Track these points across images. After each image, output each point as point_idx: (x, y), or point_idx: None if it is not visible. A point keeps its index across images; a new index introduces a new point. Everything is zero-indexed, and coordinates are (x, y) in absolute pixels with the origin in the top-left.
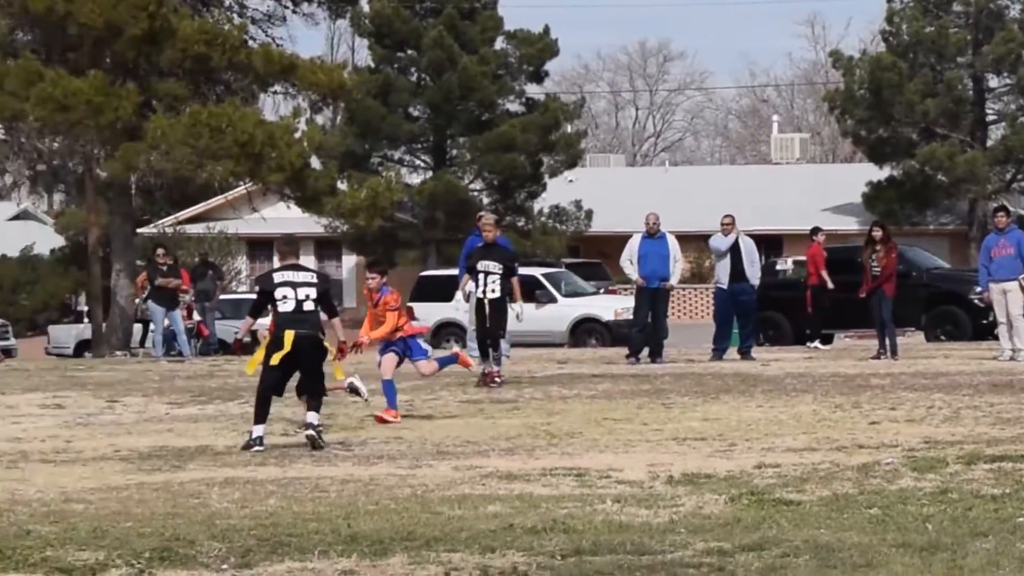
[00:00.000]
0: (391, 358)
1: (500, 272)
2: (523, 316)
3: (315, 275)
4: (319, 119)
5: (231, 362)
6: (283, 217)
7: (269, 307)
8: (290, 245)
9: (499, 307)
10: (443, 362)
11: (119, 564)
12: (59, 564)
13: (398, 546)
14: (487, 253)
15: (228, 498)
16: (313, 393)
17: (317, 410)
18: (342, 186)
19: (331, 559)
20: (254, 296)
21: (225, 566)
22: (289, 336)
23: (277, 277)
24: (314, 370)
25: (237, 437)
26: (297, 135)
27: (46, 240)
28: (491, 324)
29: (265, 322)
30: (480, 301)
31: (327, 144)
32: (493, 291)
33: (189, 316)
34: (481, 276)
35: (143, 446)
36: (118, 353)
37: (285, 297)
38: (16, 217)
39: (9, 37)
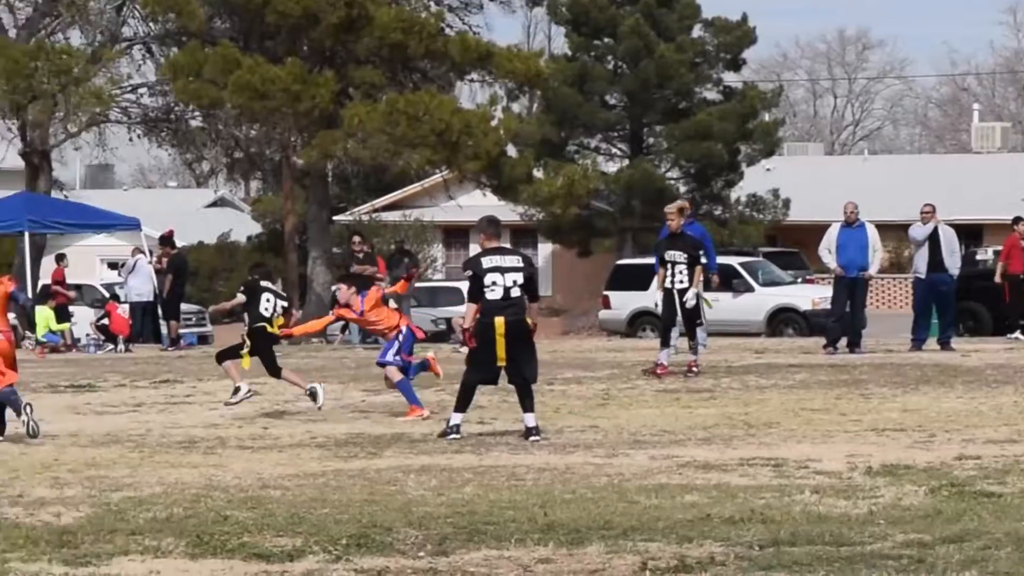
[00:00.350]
0: (393, 370)
1: (686, 261)
2: (692, 302)
3: (521, 258)
4: (515, 107)
5: (427, 350)
6: (479, 205)
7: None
8: (494, 226)
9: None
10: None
11: (316, 550)
12: (256, 550)
13: (595, 535)
14: (673, 243)
15: (425, 485)
16: (524, 387)
17: (532, 409)
18: (538, 174)
19: (528, 547)
20: (465, 282)
21: (422, 553)
22: (500, 323)
23: (486, 262)
24: (523, 357)
25: (433, 425)
26: (494, 123)
27: (243, 227)
28: (684, 315)
29: (460, 310)
30: (668, 291)
31: (523, 132)
32: (681, 281)
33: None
34: (669, 266)
35: (339, 433)
36: (314, 340)
37: (494, 283)
38: (213, 204)
39: (208, 25)
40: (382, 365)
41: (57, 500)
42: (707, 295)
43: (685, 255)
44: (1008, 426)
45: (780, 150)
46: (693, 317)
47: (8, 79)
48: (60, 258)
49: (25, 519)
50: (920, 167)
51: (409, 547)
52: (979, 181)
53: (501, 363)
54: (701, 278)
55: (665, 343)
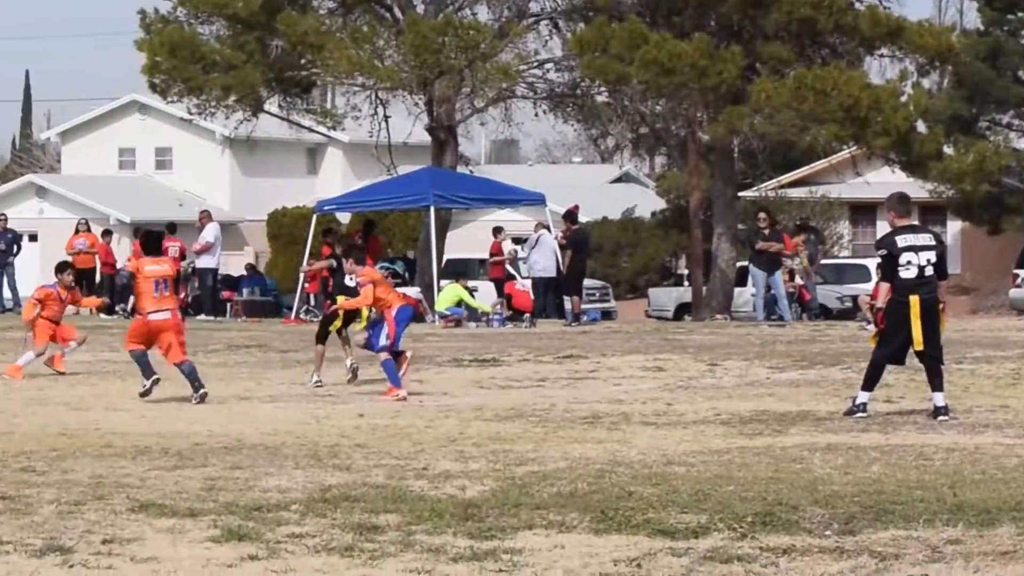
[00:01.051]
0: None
1: None
2: None
3: (932, 236)
4: (925, 83)
5: (833, 327)
6: (887, 181)
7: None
8: (905, 204)
9: None
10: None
11: (721, 527)
12: (661, 526)
13: (1006, 516)
14: None
15: (831, 464)
16: (934, 366)
17: (941, 388)
18: (948, 151)
19: (936, 528)
20: (872, 259)
21: (828, 532)
22: (915, 302)
23: (900, 241)
24: (934, 335)
25: (839, 403)
26: (903, 99)
27: (647, 203)
28: None
29: (866, 287)
30: None
31: (933, 108)
32: None
33: (791, 280)
34: None
35: (744, 410)
36: (718, 316)
37: (909, 263)
38: (618, 180)
39: (615, 0)
40: (377, 350)
41: (462, 473)
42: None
43: None
44: None
45: None
46: None
47: (416, 54)
48: (498, 231)
49: (430, 492)
50: None
51: (815, 526)
52: None
53: (919, 347)
54: None
55: None
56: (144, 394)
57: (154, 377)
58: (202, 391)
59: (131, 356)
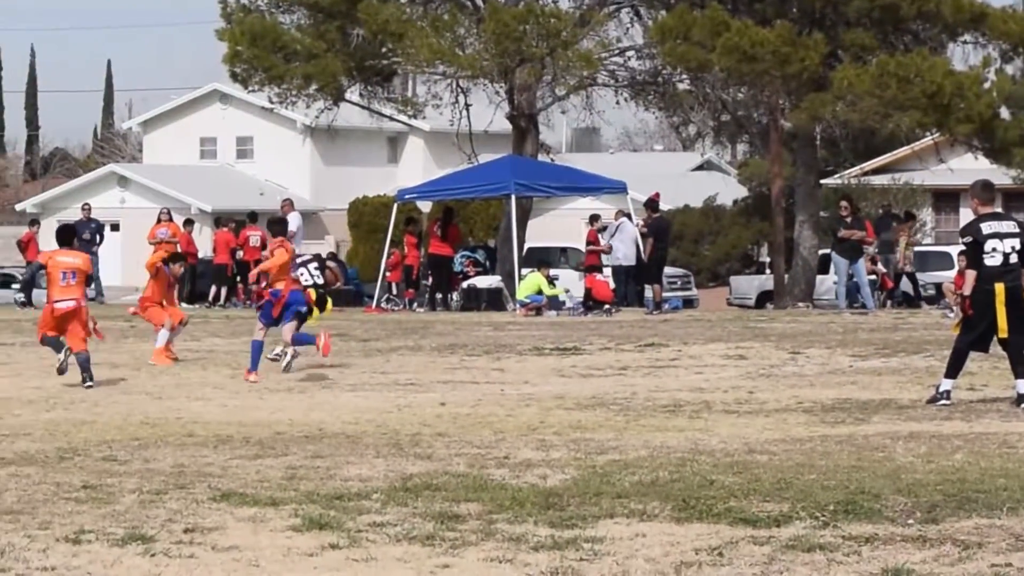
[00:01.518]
0: (291, 325)
1: None
2: None
3: (1016, 224)
4: (1009, 69)
5: (915, 315)
6: (970, 168)
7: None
8: (989, 191)
9: None
10: (301, 338)
11: (803, 516)
12: (742, 515)
13: None
14: None
15: (913, 452)
16: (1017, 354)
17: None
18: None
19: (1020, 516)
20: (954, 247)
21: (911, 521)
22: (1000, 289)
23: (985, 228)
24: (1018, 323)
25: (922, 391)
26: (986, 85)
27: (729, 190)
28: None
29: (949, 275)
30: None
31: (1017, 94)
32: None
33: (873, 266)
34: None
35: (826, 398)
36: (800, 305)
37: (994, 250)
38: (699, 167)
39: None
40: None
41: (543, 462)
42: None
43: None
44: None
45: None
46: None
47: (497, 42)
48: (594, 219)
49: (511, 481)
50: None
51: (898, 514)
52: None
53: (1003, 334)
54: None
55: None
56: (61, 371)
57: (65, 349)
58: (89, 383)
59: (43, 342)
